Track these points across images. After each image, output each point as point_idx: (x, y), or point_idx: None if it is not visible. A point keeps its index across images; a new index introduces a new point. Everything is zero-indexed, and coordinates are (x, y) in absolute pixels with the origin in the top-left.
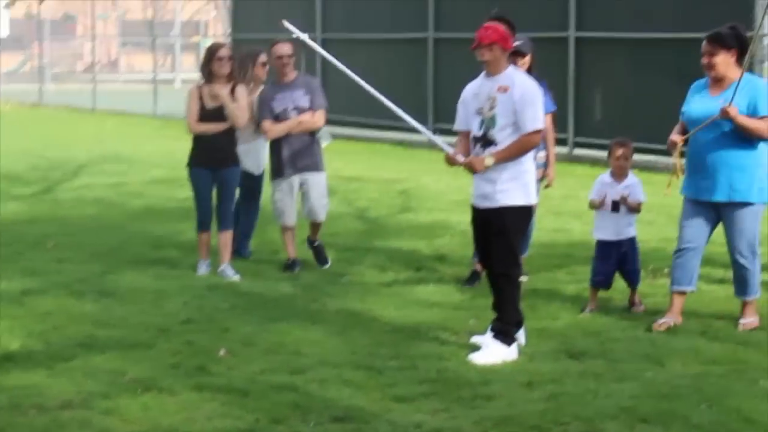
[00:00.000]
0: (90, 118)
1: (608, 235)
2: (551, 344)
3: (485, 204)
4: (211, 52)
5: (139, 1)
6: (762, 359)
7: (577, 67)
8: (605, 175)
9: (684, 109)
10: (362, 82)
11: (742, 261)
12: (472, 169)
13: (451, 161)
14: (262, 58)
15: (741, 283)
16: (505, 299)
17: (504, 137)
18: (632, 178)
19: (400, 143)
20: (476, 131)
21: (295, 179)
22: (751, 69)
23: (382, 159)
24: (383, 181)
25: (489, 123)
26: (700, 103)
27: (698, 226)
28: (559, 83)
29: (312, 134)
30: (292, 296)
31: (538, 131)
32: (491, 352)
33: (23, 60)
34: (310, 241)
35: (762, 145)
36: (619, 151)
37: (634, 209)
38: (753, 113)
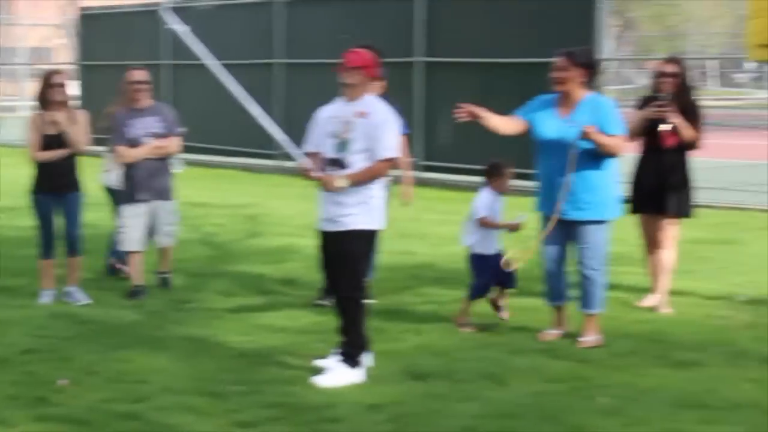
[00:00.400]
0: None
1: (487, 249)
2: (397, 366)
3: (332, 227)
4: (46, 80)
5: None
6: (600, 376)
7: (426, 92)
8: (488, 193)
9: (536, 129)
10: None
11: (590, 274)
12: (325, 185)
13: (307, 174)
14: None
15: (587, 296)
16: (350, 322)
17: (357, 161)
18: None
19: (248, 169)
20: (330, 153)
21: (146, 205)
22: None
23: (230, 184)
24: (231, 206)
25: (344, 146)
26: (551, 125)
27: (557, 242)
28: (408, 107)
29: (164, 160)
30: (136, 323)
31: (390, 159)
32: (336, 375)
33: None
34: (160, 273)
35: (611, 164)
36: (510, 171)
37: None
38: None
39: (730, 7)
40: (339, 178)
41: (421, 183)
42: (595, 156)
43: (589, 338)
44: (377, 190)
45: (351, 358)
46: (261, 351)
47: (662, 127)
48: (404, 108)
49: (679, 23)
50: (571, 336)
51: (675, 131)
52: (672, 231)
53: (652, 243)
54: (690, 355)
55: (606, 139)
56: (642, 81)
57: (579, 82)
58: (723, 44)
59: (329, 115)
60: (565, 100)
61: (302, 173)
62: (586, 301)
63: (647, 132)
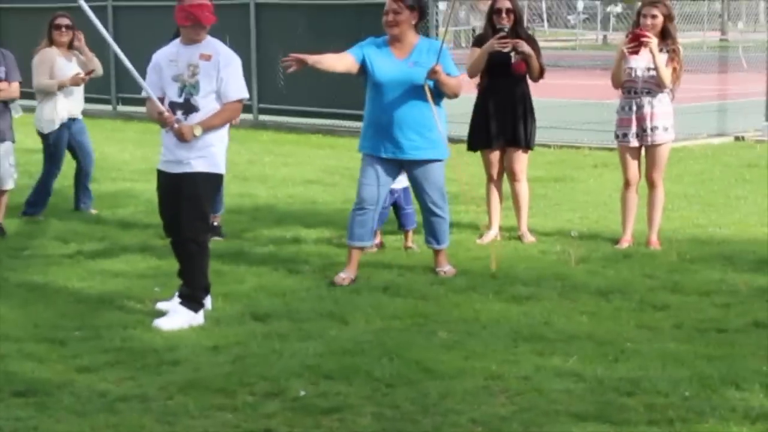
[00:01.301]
0: None
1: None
2: (237, 307)
3: (179, 169)
4: None
5: None
6: (440, 312)
7: (258, 34)
8: None
9: (373, 70)
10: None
11: (437, 211)
12: (181, 137)
13: (166, 121)
14: (59, 21)
15: (435, 232)
16: (193, 265)
17: (206, 104)
18: None
19: (84, 114)
20: (175, 98)
21: None
22: (427, 34)
23: None
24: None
25: (191, 90)
26: (389, 66)
27: (379, 184)
28: (242, 51)
29: (5, 104)
30: None
31: (241, 100)
32: (177, 317)
33: None
34: None
35: (443, 104)
36: None
37: None
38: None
39: None
40: (195, 127)
41: (258, 126)
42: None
43: (448, 268)
44: (224, 133)
45: (193, 301)
46: (99, 296)
47: (514, 58)
48: (238, 51)
49: None
50: (410, 273)
51: (524, 59)
52: (524, 163)
53: (498, 177)
54: (527, 289)
55: (451, 80)
56: (476, 22)
57: (410, 24)
58: None
59: (168, 58)
60: (398, 43)
61: (160, 119)
62: (435, 236)
63: (488, 68)
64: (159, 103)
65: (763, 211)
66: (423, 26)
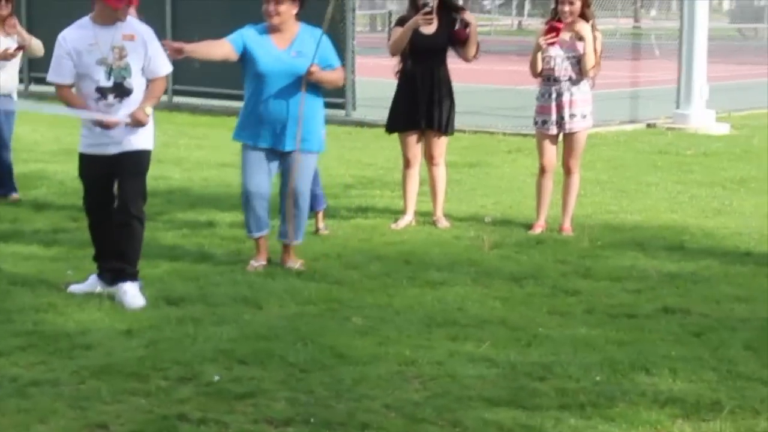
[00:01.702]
0: None
1: None
2: (150, 291)
3: (119, 149)
4: None
5: None
6: (355, 297)
7: (174, 15)
8: None
9: (254, 60)
10: None
11: (304, 205)
12: (139, 124)
13: (113, 125)
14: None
15: (299, 227)
16: (135, 242)
17: (138, 84)
18: None
19: None
20: (104, 82)
21: None
22: (343, 17)
23: None
24: None
25: (123, 72)
26: (270, 58)
27: (265, 174)
28: (157, 30)
29: None
30: None
31: (167, 73)
32: (138, 293)
33: None
34: None
35: (321, 97)
36: None
37: None
38: (325, 66)
39: None
40: (145, 108)
41: (172, 108)
42: (310, 89)
43: (299, 264)
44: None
45: (137, 276)
46: (11, 279)
47: (458, 24)
48: (154, 31)
49: None
50: (324, 259)
51: (465, 26)
52: (443, 147)
53: (416, 162)
54: (441, 275)
55: (329, 76)
56: (392, 6)
57: (291, 14)
58: None
59: (87, 42)
60: (278, 32)
61: (107, 126)
62: (298, 232)
63: (411, 51)
64: (99, 114)
65: (673, 197)
66: (339, 10)
